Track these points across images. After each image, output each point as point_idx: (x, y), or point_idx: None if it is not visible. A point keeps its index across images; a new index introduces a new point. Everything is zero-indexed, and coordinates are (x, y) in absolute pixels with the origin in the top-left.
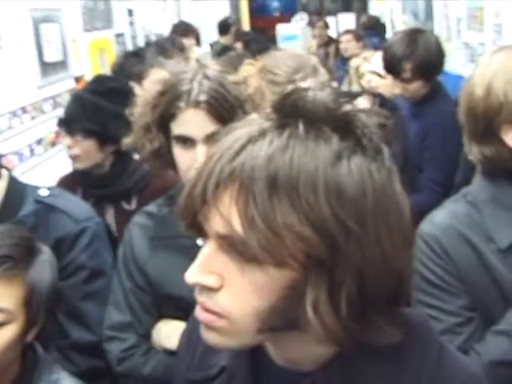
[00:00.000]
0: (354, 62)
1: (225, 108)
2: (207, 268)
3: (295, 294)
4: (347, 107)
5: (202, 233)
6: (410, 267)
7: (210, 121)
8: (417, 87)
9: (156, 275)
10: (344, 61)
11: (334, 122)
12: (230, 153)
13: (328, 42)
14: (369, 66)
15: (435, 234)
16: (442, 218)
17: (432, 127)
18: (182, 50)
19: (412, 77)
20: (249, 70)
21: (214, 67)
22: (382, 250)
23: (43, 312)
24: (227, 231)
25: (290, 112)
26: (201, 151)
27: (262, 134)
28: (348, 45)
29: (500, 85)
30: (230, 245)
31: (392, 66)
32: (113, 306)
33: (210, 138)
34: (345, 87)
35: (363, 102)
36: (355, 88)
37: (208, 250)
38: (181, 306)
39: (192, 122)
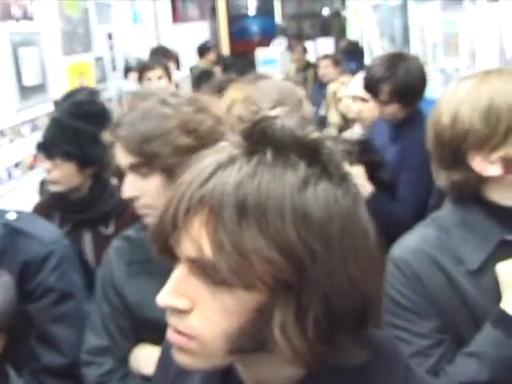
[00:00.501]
0: (331, 87)
1: (139, 141)
2: (178, 291)
3: (263, 316)
4: (314, 134)
5: (173, 257)
6: (378, 291)
7: (124, 153)
8: (394, 110)
9: (133, 299)
10: (322, 85)
11: (302, 149)
12: (200, 179)
13: (306, 67)
14: (346, 91)
15: (406, 257)
16: (412, 242)
17: (409, 152)
18: (166, 69)
19: (389, 99)
20: (234, 96)
21: (171, 99)
22: (349, 276)
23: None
24: (197, 255)
25: (259, 139)
26: (126, 181)
27: (232, 160)
28: (326, 70)
29: (466, 112)
30: (201, 268)
31: (371, 87)
32: (90, 330)
33: (133, 169)
34: (322, 112)
35: (356, 129)
36: (333, 113)
37: (179, 273)
38: (159, 330)
39: (117, 154)
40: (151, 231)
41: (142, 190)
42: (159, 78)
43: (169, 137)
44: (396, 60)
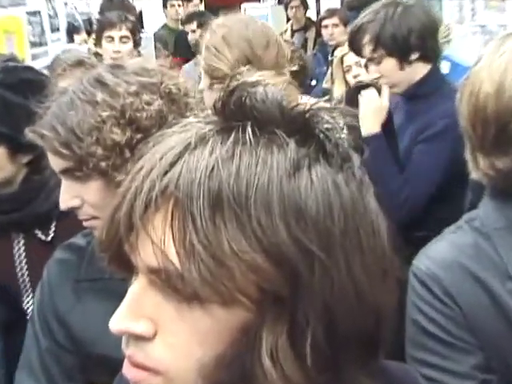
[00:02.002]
0: (338, 53)
1: (65, 140)
2: (136, 311)
3: (248, 340)
4: (305, 105)
5: (128, 268)
6: (393, 305)
7: (52, 156)
8: (390, 69)
9: (81, 329)
10: (326, 50)
11: (290, 124)
12: (161, 165)
13: (306, 26)
14: (356, 57)
15: (435, 272)
16: (442, 251)
17: (427, 128)
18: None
19: (373, 52)
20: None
21: (108, 75)
22: (355, 282)
23: None
24: (160, 263)
25: (235, 113)
26: (62, 188)
27: (201, 140)
28: (332, 31)
29: None
30: (165, 280)
31: (353, 42)
32: (24, 369)
33: (66, 174)
34: (326, 84)
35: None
36: (339, 86)
37: (137, 288)
38: (115, 370)
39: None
40: (100, 236)
41: (82, 198)
42: (123, 39)
43: (101, 131)
44: (386, 4)
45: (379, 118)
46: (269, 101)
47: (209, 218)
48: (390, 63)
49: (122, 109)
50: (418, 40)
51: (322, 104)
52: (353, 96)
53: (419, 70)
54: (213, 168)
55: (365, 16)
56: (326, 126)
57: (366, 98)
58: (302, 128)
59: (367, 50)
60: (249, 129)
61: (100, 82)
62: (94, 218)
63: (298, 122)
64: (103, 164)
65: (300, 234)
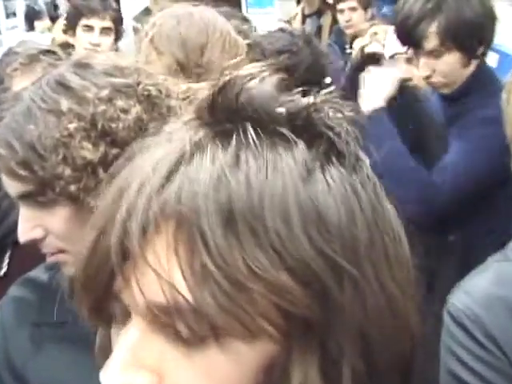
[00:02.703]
0: (359, 43)
1: (22, 160)
2: (135, 362)
3: (274, 379)
4: (308, 99)
5: (110, 313)
6: (419, 323)
7: (7, 178)
8: (451, 64)
9: None
10: (343, 40)
11: (293, 121)
12: (156, 178)
13: (320, 10)
14: (381, 49)
15: (474, 310)
16: (483, 287)
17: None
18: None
19: (441, 45)
20: None
21: (74, 77)
22: (388, 298)
23: None
24: (169, 298)
25: (229, 114)
26: (20, 217)
27: (198, 148)
28: (352, 15)
29: None
30: (172, 319)
31: (408, 33)
32: None
33: (26, 200)
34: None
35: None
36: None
37: (134, 333)
38: None
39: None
40: (78, 273)
41: (46, 228)
42: (105, 30)
43: (69, 147)
44: None
45: (385, 92)
46: (266, 96)
47: (221, 235)
48: (453, 58)
49: (92, 119)
50: (487, 32)
51: (324, 96)
52: (355, 73)
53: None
54: (218, 178)
55: (422, 2)
56: (332, 122)
57: (374, 74)
58: (307, 125)
59: (432, 41)
60: (250, 130)
61: (63, 86)
62: (61, 251)
63: (301, 118)
64: (72, 187)
65: (324, 246)
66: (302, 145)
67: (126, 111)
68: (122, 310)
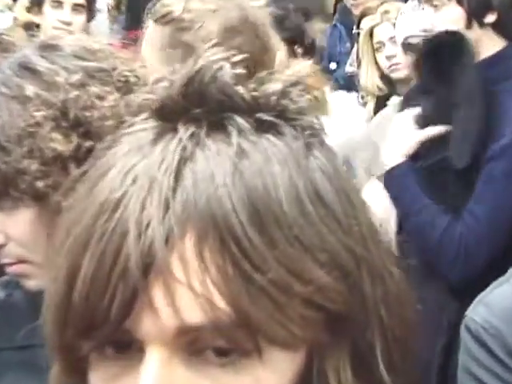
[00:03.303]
0: (367, 23)
1: None
2: None
3: (310, 381)
4: (275, 85)
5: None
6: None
7: None
8: (452, 20)
9: None
10: (349, 20)
11: (271, 108)
12: (164, 182)
13: None
14: (393, 30)
15: (494, 324)
16: (504, 299)
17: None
18: None
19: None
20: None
21: (41, 61)
22: (396, 284)
23: None
24: (210, 315)
25: (207, 102)
26: None
27: (196, 142)
28: None
29: None
30: (205, 340)
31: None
32: None
33: None
34: (350, 68)
35: None
36: (369, 69)
37: (155, 369)
38: None
39: None
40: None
41: (5, 234)
42: (76, 7)
43: (36, 138)
44: None
45: (406, 147)
46: (238, 84)
47: (254, 235)
48: (453, 13)
49: (63, 106)
50: None
51: (287, 77)
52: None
53: (490, 43)
54: (232, 171)
55: None
56: (298, 105)
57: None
58: (283, 111)
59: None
60: (239, 120)
61: (29, 70)
62: (24, 261)
63: (275, 104)
64: (40, 184)
65: (341, 235)
66: (288, 131)
67: (101, 98)
68: (123, 344)
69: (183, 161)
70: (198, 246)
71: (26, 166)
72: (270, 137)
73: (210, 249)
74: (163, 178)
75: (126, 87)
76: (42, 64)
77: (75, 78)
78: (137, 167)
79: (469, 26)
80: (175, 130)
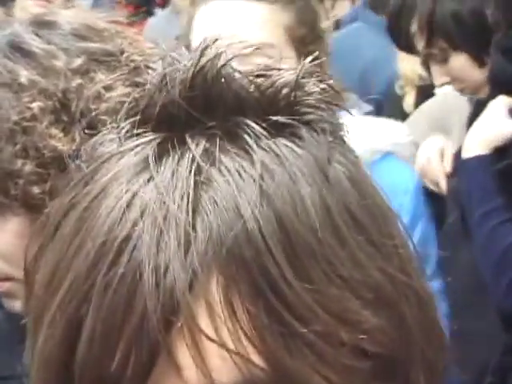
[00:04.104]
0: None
1: None
2: None
3: None
4: (288, 76)
5: None
6: None
7: None
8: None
9: None
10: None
11: (284, 106)
12: (182, 214)
13: None
14: None
15: None
16: None
17: None
18: None
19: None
20: None
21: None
22: (431, 303)
23: None
24: (240, 374)
25: (216, 106)
26: None
27: (212, 161)
28: None
29: None
30: None
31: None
32: None
33: None
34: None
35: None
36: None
37: None
38: None
39: None
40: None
41: None
42: None
43: (31, 134)
44: None
45: (491, 139)
46: (245, 79)
47: (292, 277)
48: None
49: (64, 96)
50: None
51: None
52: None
53: None
54: (259, 195)
55: None
56: (315, 97)
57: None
58: (298, 108)
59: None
60: (254, 127)
61: (21, 51)
62: (8, 278)
63: (288, 101)
64: (35, 190)
65: (379, 259)
66: (306, 134)
67: (109, 88)
68: None
69: (200, 186)
70: (227, 292)
71: (19, 168)
72: (289, 144)
73: (241, 295)
74: (179, 209)
75: (135, 74)
76: (36, 44)
77: (77, 62)
78: (142, 195)
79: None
80: (183, 143)
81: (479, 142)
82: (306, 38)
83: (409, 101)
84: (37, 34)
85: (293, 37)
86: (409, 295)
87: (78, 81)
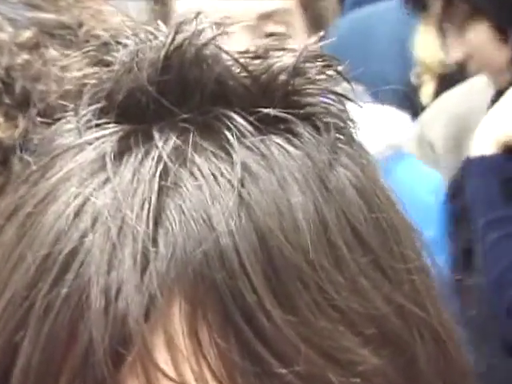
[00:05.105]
0: None
1: None
2: None
3: None
4: (286, 60)
5: None
6: None
7: None
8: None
9: None
10: None
11: (278, 97)
12: (142, 225)
13: None
14: None
15: None
16: None
17: None
18: None
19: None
20: None
21: None
22: (454, 342)
23: None
24: None
25: (192, 93)
26: None
27: (182, 160)
28: None
29: None
30: None
31: None
32: None
33: None
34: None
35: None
36: (428, 40)
37: None
38: None
39: None
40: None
41: None
42: None
43: None
44: None
45: (503, 136)
46: (230, 63)
47: (273, 306)
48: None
49: (6, 75)
50: None
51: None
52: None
53: None
54: (238, 210)
55: None
56: (316, 91)
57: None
58: (296, 99)
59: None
60: (238, 120)
61: None
62: None
63: (284, 90)
64: None
65: (386, 286)
66: (304, 131)
67: (62, 66)
68: None
69: (165, 192)
70: (192, 322)
71: None
72: (281, 142)
73: (209, 325)
74: (138, 219)
75: (104, 52)
76: None
77: (25, 35)
78: (95, 201)
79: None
80: (149, 138)
81: (489, 139)
82: None
83: (426, 91)
84: None
85: None
86: (423, 332)
87: (24, 57)
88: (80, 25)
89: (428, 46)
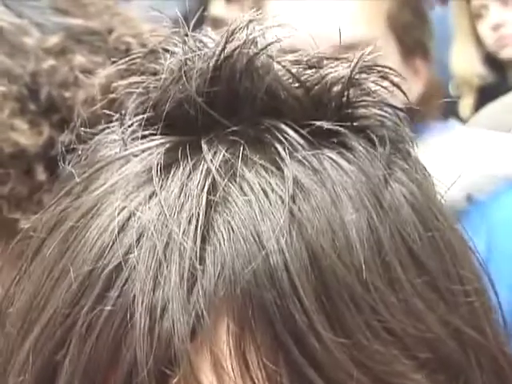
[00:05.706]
0: None
1: None
2: None
3: None
4: (341, 71)
5: None
6: None
7: None
8: None
9: None
10: None
11: (331, 110)
12: (188, 243)
13: None
14: None
15: None
16: None
17: None
18: None
19: None
20: None
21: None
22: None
23: None
24: None
25: (243, 106)
26: None
27: (231, 175)
28: None
29: None
30: None
31: None
32: None
33: None
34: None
35: None
36: (465, 47)
37: None
38: None
39: None
40: None
41: None
42: None
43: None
44: None
45: None
46: (282, 74)
47: (324, 329)
48: None
49: (32, 81)
50: None
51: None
52: None
53: None
54: (289, 228)
55: None
56: (372, 104)
57: None
58: (350, 112)
59: None
60: (290, 133)
61: None
62: None
63: (339, 103)
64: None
65: (442, 309)
66: (358, 145)
67: (89, 72)
68: None
69: (213, 207)
70: (240, 343)
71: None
72: (334, 156)
73: (257, 347)
74: (185, 235)
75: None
76: (5, 17)
77: (53, 40)
78: (140, 215)
79: None
80: (197, 151)
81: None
82: (410, 23)
83: (465, 104)
84: (6, 6)
85: (395, 25)
86: (480, 357)
87: (50, 62)
88: (110, 31)
89: (465, 56)
